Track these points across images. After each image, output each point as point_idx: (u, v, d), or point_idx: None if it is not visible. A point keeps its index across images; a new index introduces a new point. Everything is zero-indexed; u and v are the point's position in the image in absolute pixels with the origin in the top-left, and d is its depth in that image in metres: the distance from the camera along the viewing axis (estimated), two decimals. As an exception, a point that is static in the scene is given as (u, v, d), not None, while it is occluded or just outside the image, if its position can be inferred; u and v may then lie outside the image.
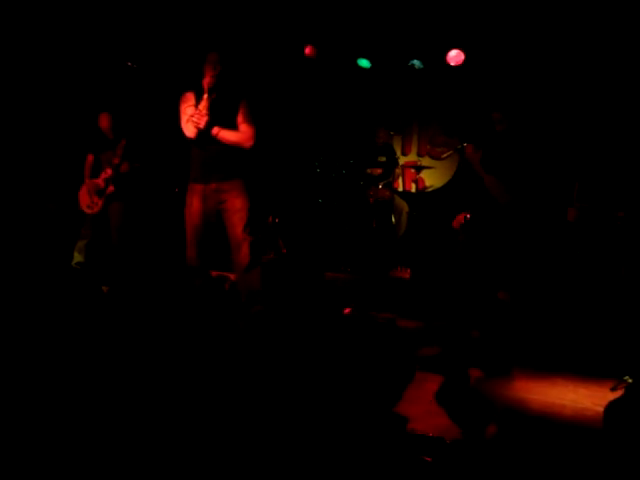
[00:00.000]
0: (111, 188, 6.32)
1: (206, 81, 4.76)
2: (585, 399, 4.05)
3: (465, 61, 8.19)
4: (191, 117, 4.74)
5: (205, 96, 4.75)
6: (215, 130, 4.80)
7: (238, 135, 4.91)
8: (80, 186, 6.53)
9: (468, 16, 7.70)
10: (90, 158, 6.55)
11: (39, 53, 7.68)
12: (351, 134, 9.39)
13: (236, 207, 4.95)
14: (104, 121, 6.48)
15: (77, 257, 6.51)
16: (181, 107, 4.96)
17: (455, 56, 8.19)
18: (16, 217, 7.50)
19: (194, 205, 4.98)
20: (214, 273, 7.13)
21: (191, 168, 5.05)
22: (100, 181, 6.34)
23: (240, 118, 4.93)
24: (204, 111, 4.71)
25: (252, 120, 4.98)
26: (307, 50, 8.79)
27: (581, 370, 4.61)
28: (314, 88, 9.41)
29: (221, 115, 4.86)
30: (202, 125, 4.73)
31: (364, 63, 8.98)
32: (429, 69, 8.66)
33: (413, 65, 8.65)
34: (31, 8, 7.35)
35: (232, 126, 4.92)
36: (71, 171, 7.07)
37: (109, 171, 6.31)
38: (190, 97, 4.92)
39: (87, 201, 6.40)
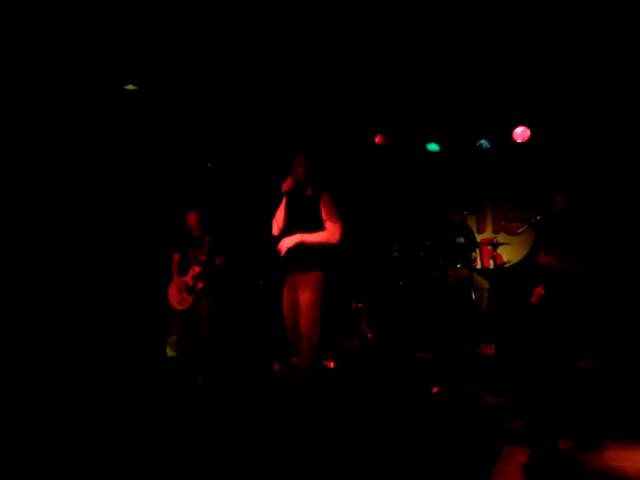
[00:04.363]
0: (200, 285, 6.64)
1: (286, 185, 4.90)
2: (679, 464, 3.95)
3: (531, 137, 8.34)
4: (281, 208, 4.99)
5: (283, 200, 4.98)
6: (299, 238, 4.86)
7: (323, 235, 4.86)
8: (169, 284, 6.89)
9: (531, 94, 7.90)
10: (177, 257, 6.94)
11: (127, 159, 8.30)
12: (426, 216, 9.57)
13: (304, 301, 4.83)
14: (192, 218, 6.90)
15: (169, 352, 6.79)
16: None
17: (521, 133, 8.35)
18: (111, 318, 7.92)
19: (284, 294, 5.06)
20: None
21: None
22: (189, 278, 6.69)
23: (324, 214, 4.89)
24: (284, 243, 4.89)
25: (336, 215, 4.91)
26: (377, 139, 9.12)
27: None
28: (386, 175, 9.69)
29: (304, 213, 4.95)
30: (283, 251, 4.90)
31: (433, 147, 9.24)
32: (497, 147, 8.84)
33: (481, 145, 8.86)
34: (116, 120, 8.02)
35: (316, 221, 4.91)
36: (159, 270, 7.49)
37: (197, 268, 6.66)
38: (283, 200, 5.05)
39: (177, 298, 6.73)
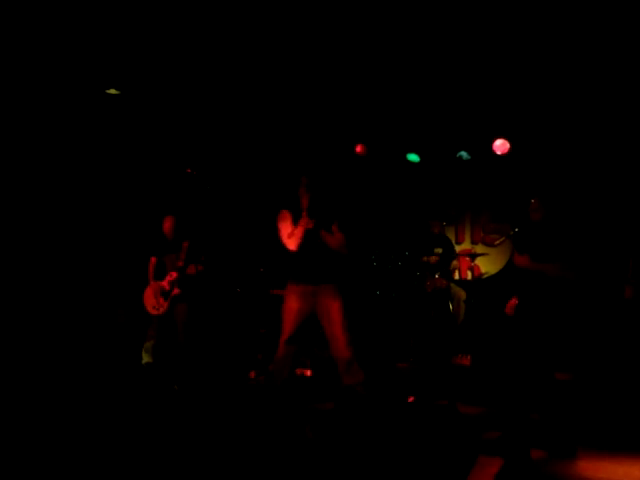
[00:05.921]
0: (176, 290, 6.59)
1: (304, 203, 5.33)
2: (653, 476, 3.97)
3: (511, 149, 8.40)
4: (301, 224, 5.27)
5: (304, 214, 5.29)
6: (322, 232, 5.31)
7: (339, 241, 5.41)
8: (145, 288, 6.83)
9: (512, 106, 7.96)
10: (153, 260, 6.86)
11: (107, 163, 8.25)
12: (405, 227, 9.60)
13: (337, 309, 5.26)
14: (167, 224, 6.84)
15: (145, 358, 6.73)
16: (280, 225, 5.45)
17: (501, 145, 8.41)
18: (87, 321, 7.86)
19: (292, 304, 5.34)
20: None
21: (292, 270, 5.45)
22: (165, 283, 6.64)
23: (335, 228, 5.42)
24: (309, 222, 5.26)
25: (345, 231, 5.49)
26: (358, 148, 9.14)
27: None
28: (366, 185, 9.71)
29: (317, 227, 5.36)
30: (311, 225, 5.26)
31: (413, 157, 9.27)
32: (476, 159, 8.89)
33: (461, 157, 8.91)
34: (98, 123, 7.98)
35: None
36: (135, 274, 7.43)
37: (174, 274, 6.61)
38: (287, 216, 5.43)
39: (153, 302, 6.67)
